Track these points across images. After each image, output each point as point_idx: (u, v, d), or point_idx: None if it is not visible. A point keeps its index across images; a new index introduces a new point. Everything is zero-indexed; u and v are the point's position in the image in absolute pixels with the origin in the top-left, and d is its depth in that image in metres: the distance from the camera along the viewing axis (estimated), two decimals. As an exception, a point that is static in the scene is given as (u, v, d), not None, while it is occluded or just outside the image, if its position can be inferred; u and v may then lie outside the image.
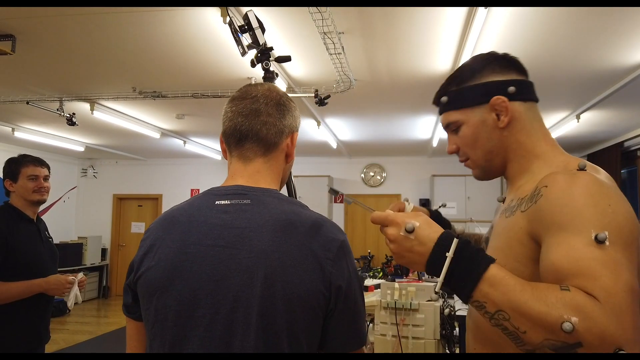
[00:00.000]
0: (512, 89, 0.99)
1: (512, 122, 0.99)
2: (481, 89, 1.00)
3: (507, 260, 0.90)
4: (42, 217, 2.46)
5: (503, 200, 1.08)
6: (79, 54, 3.50)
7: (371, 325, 3.20)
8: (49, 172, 2.41)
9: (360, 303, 0.90)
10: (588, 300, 0.69)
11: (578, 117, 5.04)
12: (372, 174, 8.55)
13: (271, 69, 2.06)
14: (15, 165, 2.30)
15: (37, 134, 6.34)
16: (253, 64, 2.08)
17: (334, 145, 6.81)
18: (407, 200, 1.19)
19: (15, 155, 2.40)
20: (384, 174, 8.52)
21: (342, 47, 3.19)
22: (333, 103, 4.59)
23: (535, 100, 1.04)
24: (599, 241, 0.74)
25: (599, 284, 0.70)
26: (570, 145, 6.88)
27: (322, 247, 0.86)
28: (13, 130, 5.99)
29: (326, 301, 0.85)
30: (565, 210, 0.79)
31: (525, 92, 1.02)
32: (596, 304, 0.68)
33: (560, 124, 5.47)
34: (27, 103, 4.48)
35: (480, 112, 1.01)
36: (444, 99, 1.05)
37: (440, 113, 1.08)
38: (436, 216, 1.29)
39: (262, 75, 2.10)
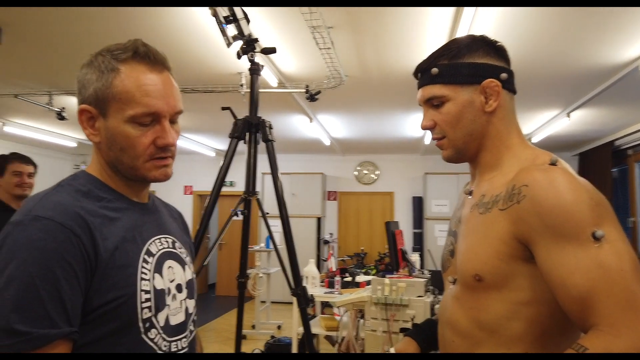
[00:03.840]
0: (504, 75, 0.99)
1: (497, 108, 0.99)
2: (475, 68, 0.98)
3: (489, 258, 0.91)
4: None
5: (470, 193, 1.06)
6: (66, 47, 3.47)
7: (362, 320, 3.21)
8: (35, 169, 2.56)
9: None
10: (606, 341, 0.74)
11: (569, 115, 5.05)
12: (365, 171, 8.55)
13: (256, 60, 2.05)
14: (2, 161, 2.49)
15: (28, 129, 6.28)
16: (239, 56, 2.08)
17: (327, 142, 6.81)
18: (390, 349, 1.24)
19: (3, 150, 2.61)
20: (377, 172, 8.52)
21: (332, 42, 3.18)
22: (325, 99, 4.58)
23: (515, 92, 1.04)
24: (597, 238, 0.78)
25: (613, 302, 0.75)
26: (561, 143, 6.90)
27: None
28: (3, 124, 5.94)
29: None
30: (556, 212, 0.81)
31: (512, 82, 1.02)
32: (612, 335, 0.74)
33: (552, 122, 5.49)
34: (16, 97, 4.45)
35: (469, 92, 0.98)
36: (435, 70, 1.00)
37: (424, 85, 1.03)
38: (423, 332, 1.24)
39: (249, 67, 2.09)
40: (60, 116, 4.69)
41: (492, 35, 1.03)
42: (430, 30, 3.09)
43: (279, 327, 6.13)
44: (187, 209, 8.62)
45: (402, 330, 2.29)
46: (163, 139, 0.87)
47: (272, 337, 5.00)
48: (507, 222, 0.88)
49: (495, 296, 0.91)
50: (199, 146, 7.59)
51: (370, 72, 3.96)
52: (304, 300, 1.81)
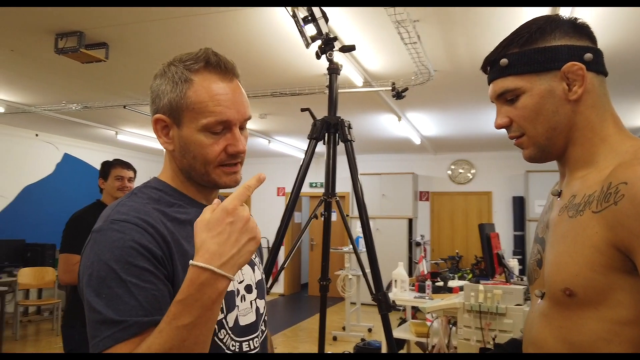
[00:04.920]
0: (589, 55, 0.84)
1: (584, 95, 0.85)
2: (552, 52, 0.85)
3: (580, 269, 0.79)
4: None
5: (558, 194, 0.92)
6: (166, 58, 3.70)
7: (454, 328, 3.04)
8: (135, 175, 2.74)
9: (89, 300, 0.77)
10: None
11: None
12: (460, 170, 8.18)
13: (335, 59, 2.01)
14: (107, 167, 2.68)
15: (137, 137, 6.86)
16: (318, 56, 2.05)
17: (417, 141, 6.61)
18: None
19: (116, 157, 2.80)
20: (472, 171, 8.11)
21: (418, 36, 3.05)
22: (413, 96, 4.43)
23: (606, 74, 0.89)
24: None
25: None
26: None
27: None
28: (116, 133, 6.54)
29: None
30: None
31: (600, 62, 0.87)
32: None
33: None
34: (124, 107, 4.86)
35: (548, 80, 0.85)
36: (504, 61, 0.88)
37: (494, 79, 0.92)
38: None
39: (327, 66, 2.06)
40: (163, 123, 5.03)
41: (594, 22, 0.88)
42: (525, 16, 2.85)
43: (369, 330, 6.06)
44: (279, 210, 8.87)
45: (482, 350, 2.13)
46: (234, 146, 0.88)
47: (362, 339, 4.95)
48: (602, 226, 0.76)
49: (590, 314, 0.79)
50: (290, 148, 7.77)
51: (461, 65, 3.76)
52: (385, 306, 1.74)
